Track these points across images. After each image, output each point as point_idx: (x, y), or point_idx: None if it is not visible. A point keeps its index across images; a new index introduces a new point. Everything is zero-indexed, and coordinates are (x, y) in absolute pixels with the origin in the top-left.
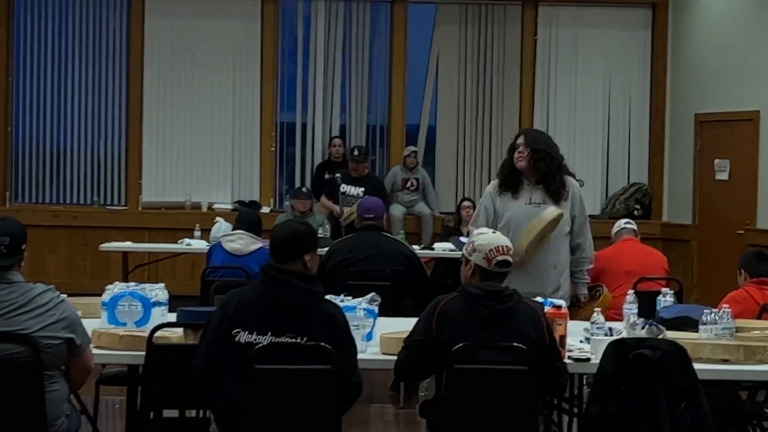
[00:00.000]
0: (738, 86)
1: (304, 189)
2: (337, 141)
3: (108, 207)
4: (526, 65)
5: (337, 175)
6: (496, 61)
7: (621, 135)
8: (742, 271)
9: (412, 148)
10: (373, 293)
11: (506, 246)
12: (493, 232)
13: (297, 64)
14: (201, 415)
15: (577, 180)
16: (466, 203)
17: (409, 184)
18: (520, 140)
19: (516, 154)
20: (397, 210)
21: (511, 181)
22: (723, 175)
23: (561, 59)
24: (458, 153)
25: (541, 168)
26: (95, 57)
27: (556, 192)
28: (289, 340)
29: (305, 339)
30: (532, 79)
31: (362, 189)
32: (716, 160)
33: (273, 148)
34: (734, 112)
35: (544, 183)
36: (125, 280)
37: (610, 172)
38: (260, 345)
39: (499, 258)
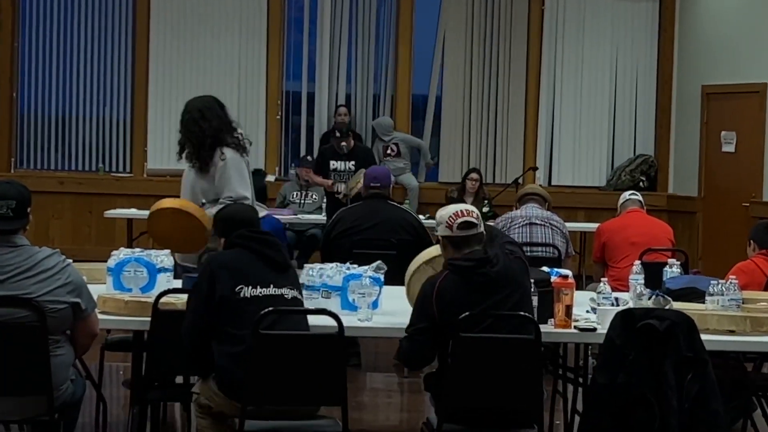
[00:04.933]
0: (745, 59)
1: (309, 158)
2: (343, 110)
3: (113, 174)
4: (533, 35)
5: (343, 144)
6: (503, 31)
7: (627, 106)
8: (752, 242)
9: (372, 122)
10: (379, 261)
11: (465, 210)
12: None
13: (303, 33)
14: None
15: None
16: (473, 175)
17: (389, 150)
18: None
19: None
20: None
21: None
22: (729, 148)
23: (568, 30)
24: (464, 123)
25: (187, 147)
26: (101, 23)
27: (196, 162)
28: (289, 291)
29: (298, 292)
30: (539, 49)
31: (352, 163)
32: (723, 133)
33: (278, 117)
34: (741, 84)
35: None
36: (130, 246)
37: (616, 143)
38: (267, 295)
39: (459, 220)
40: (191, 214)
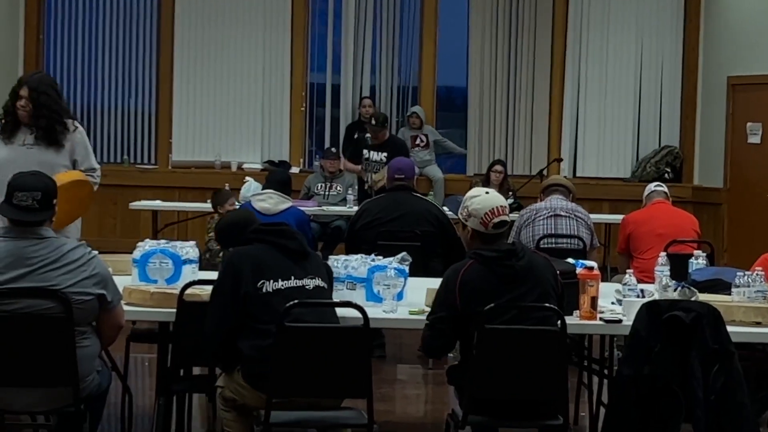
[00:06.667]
0: None
1: (333, 149)
2: (367, 101)
3: (138, 166)
4: (558, 26)
5: (367, 135)
6: (528, 22)
7: (653, 97)
8: None
9: (414, 109)
10: (403, 253)
11: (501, 206)
12: (487, 193)
13: (327, 25)
14: None
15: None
16: (498, 167)
17: (418, 140)
18: (24, 92)
19: (18, 107)
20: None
21: (9, 126)
22: (755, 139)
23: (593, 20)
24: (489, 115)
25: (41, 124)
26: (126, 15)
27: (53, 139)
28: (310, 281)
29: (320, 279)
30: (564, 40)
31: (385, 154)
32: (748, 124)
33: (303, 109)
34: (767, 75)
35: (43, 131)
36: (155, 238)
37: (642, 134)
38: (289, 287)
39: (496, 220)
40: (78, 180)
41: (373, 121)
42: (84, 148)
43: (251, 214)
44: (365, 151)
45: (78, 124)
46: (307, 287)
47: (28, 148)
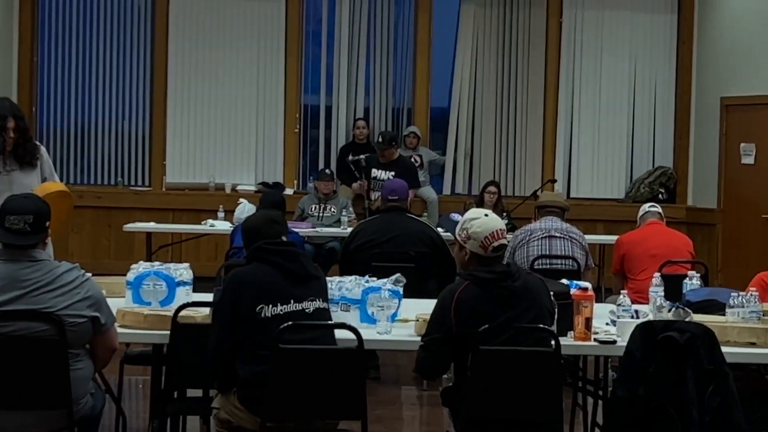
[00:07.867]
0: (764, 70)
1: (327, 171)
2: (361, 123)
3: (132, 188)
4: (551, 47)
5: (361, 157)
6: (521, 43)
7: (646, 118)
8: None
9: (411, 128)
10: (398, 274)
11: (500, 230)
12: (486, 215)
13: (321, 46)
14: None
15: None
16: (491, 188)
17: (413, 159)
18: (11, 124)
19: (8, 138)
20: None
21: None
22: (749, 159)
23: (586, 42)
24: (483, 136)
25: (29, 149)
26: (120, 38)
27: (27, 161)
28: (310, 304)
29: (321, 300)
30: (557, 61)
31: (392, 173)
32: (742, 144)
33: (297, 130)
34: (760, 96)
35: (30, 155)
36: (149, 260)
37: (635, 155)
38: (288, 311)
39: (496, 244)
40: (63, 191)
41: (380, 139)
42: (49, 165)
43: (275, 224)
44: (374, 170)
45: (37, 142)
46: (306, 310)
47: (5, 174)
